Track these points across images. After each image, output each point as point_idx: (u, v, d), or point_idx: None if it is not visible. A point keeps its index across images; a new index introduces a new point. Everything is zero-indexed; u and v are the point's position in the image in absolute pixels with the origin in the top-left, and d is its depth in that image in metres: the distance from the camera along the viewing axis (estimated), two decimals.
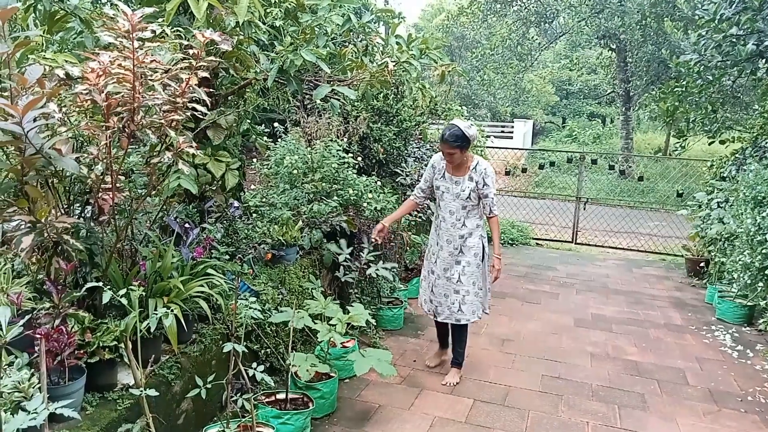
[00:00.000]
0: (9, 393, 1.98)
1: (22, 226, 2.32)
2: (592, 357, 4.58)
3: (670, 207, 10.61)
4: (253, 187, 4.76)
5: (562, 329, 5.18)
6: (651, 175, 14.81)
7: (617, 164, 15.72)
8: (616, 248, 9.05)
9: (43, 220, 2.29)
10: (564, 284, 6.74)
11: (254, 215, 4.25)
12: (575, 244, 9.21)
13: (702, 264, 7.12)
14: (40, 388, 2.06)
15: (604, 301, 6.12)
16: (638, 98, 17.55)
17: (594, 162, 11.62)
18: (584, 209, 9.32)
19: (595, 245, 9.22)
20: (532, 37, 18.51)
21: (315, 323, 3.47)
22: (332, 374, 3.53)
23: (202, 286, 2.87)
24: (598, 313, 5.69)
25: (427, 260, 4.08)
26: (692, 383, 4.19)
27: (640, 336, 5.10)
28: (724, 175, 7.21)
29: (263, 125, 5.14)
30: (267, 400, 3.18)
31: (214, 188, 3.57)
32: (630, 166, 16.51)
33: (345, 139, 5.45)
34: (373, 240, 4.08)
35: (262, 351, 3.53)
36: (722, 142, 7.46)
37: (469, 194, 3.77)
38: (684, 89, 7.03)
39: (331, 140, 5.04)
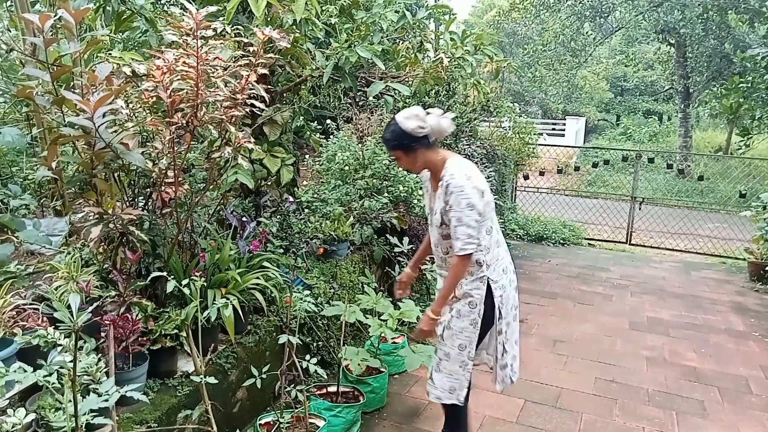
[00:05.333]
0: (79, 376, 2.07)
1: (90, 217, 2.43)
2: (648, 361, 4.44)
3: (731, 208, 10.16)
4: (305, 183, 4.83)
5: (617, 332, 5.04)
6: (711, 174, 14.21)
7: (675, 163, 15.16)
8: (673, 250, 8.74)
9: (110, 212, 2.39)
10: (618, 286, 6.56)
11: (306, 210, 4.31)
12: (629, 245, 8.94)
13: (767, 268, 6.80)
14: (107, 372, 2.15)
15: (661, 304, 5.92)
16: (698, 95, 16.89)
17: (651, 161, 11.22)
18: (639, 209, 9.03)
19: (651, 246, 8.92)
20: (587, 33, 18.02)
21: (366, 318, 3.49)
22: (382, 369, 3.55)
23: (258, 278, 2.94)
24: (654, 317, 5.51)
25: None
26: (756, 392, 4.01)
27: (699, 341, 4.91)
28: None
29: (315, 122, 5.20)
30: (318, 392, 3.23)
31: (269, 183, 3.64)
32: (689, 165, 15.89)
33: None
34: (398, 295, 3.20)
35: (314, 344, 3.59)
36: None
37: (442, 219, 2.53)
38: (749, 85, 6.73)
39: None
